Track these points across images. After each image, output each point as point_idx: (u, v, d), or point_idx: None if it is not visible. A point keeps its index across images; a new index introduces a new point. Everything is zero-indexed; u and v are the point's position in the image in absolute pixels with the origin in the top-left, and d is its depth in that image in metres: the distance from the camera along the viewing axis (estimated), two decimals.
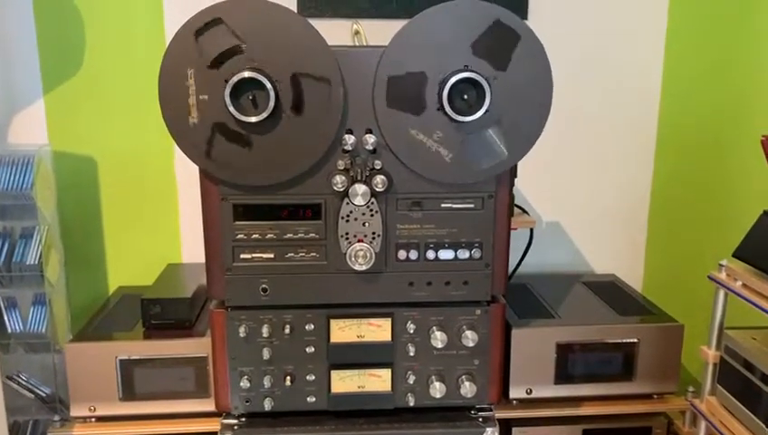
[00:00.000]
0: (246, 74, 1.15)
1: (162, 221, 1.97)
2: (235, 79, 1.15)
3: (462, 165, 1.23)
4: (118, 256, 1.97)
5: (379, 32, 1.84)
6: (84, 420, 1.63)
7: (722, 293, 1.50)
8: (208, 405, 1.66)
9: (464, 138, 1.21)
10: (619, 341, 1.74)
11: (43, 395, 1.83)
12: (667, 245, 2.15)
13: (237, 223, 1.27)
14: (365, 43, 1.78)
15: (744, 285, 1.43)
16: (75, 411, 1.62)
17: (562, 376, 1.74)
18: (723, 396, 1.49)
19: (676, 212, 2.11)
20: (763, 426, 1.36)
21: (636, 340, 1.74)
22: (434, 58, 1.18)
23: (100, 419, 1.63)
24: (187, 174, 1.93)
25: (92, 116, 1.88)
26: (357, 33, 1.85)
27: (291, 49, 1.17)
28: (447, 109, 1.18)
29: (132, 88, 1.88)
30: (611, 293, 1.95)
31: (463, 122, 1.19)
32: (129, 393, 1.65)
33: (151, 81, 1.87)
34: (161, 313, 1.70)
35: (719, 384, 1.51)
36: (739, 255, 1.45)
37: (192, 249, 1.98)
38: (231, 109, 1.16)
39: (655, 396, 1.79)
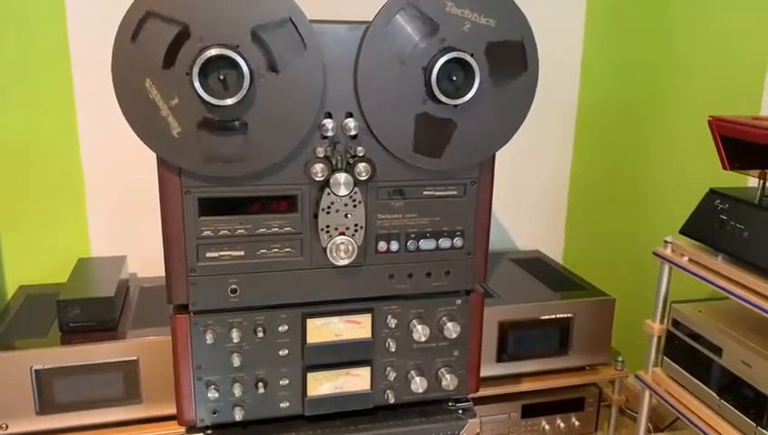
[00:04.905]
0: (205, 56, 1.02)
1: (66, 212, 1.76)
2: (196, 69, 1.02)
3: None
4: (16, 252, 1.75)
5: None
6: None
7: (667, 268, 1.55)
8: (140, 412, 1.56)
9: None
10: (557, 316, 1.78)
11: None
12: (585, 221, 2.21)
13: (203, 218, 1.14)
14: None
15: (691, 260, 1.48)
16: None
17: (503, 354, 1.75)
18: (669, 367, 1.55)
19: (594, 191, 2.18)
20: (714, 394, 1.42)
21: (571, 314, 1.78)
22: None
23: None
24: (94, 161, 1.74)
25: None
26: None
27: (237, 7, 1.04)
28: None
29: (27, 62, 1.65)
30: (540, 269, 1.99)
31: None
32: (47, 406, 1.50)
33: (50, 54, 1.66)
34: (81, 314, 1.54)
35: (665, 356, 1.57)
36: (686, 231, 1.50)
37: (102, 242, 1.79)
38: (207, 98, 1.03)
39: (587, 368, 1.85)
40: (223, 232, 1.15)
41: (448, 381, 1.28)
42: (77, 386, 1.50)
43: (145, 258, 1.81)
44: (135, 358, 1.52)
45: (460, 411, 1.31)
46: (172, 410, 1.55)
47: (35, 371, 1.47)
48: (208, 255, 1.16)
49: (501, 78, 1.14)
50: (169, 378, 1.51)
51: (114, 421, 1.54)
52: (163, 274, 1.73)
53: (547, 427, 1.83)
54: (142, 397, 1.54)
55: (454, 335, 1.26)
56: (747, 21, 1.67)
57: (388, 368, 1.27)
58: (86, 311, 1.53)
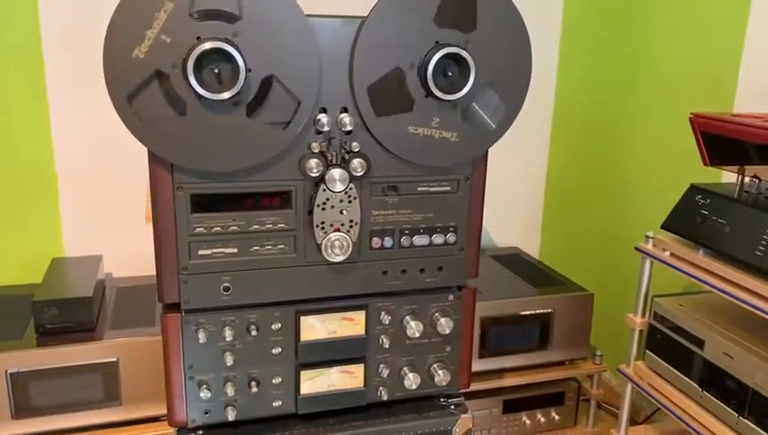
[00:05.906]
0: (221, 46, 1.00)
1: (39, 212, 1.71)
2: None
3: (469, 141, 1.17)
4: None
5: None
6: None
7: (648, 262, 1.57)
8: (119, 414, 1.53)
9: (461, 114, 1.15)
10: (538, 312, 1.79)
11: None
12: (561, 218, 2.24)
13: (195, 215, 1.11)
14: None
15: (673, 255, 1.51)
16: None
17: (486, 350, 1.76)
18: (651, 361, 1.57)
19: (570, 188, 2.20)
20: (697, 386, 1.45)
21: (551, 310, 1.79)
22: (402, 48, 1.10)
23: None
24: (67, 159, 1.69)
25: None
26: None
27: (277, 46, 1.04)
28: (436, 92, 1.10)
29: None
30: (519, 265, 2.00)
31: (455, 100, 1.12)
32: (23, 410, 1.47)
33: (22, 52, 1.60)
34: (58, 315, 1.50)
35: (647, 350, 1.59)
36: (668, 226, 1.52)
37: (76, 241, 1.74)
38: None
39: (567, 362, 1.87)
40: (215, 229, 1.13)
41: (441, 376, 1.28)
42: (54, 389, 1.47)
43: (120, 258, 1.77)
44: (114, 359, 1.49)
45: (452, 407, 1.30)
46: (152, 412, 1.53)
47: (11, 374, 1.43)
48: (200, 252, 1.13)
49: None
50: (150, 379, 1.49)
51: (93, 424, 1.51)
52: (139, 273, 1.70)
53: (528, 422, 1.84)
54: (122, 399, 1.51)
55: (447, 331, 1.25)
56: (721, 20, 1.70)
57: (382, 365, 1.26)
58: (63, 312, 1.49)
